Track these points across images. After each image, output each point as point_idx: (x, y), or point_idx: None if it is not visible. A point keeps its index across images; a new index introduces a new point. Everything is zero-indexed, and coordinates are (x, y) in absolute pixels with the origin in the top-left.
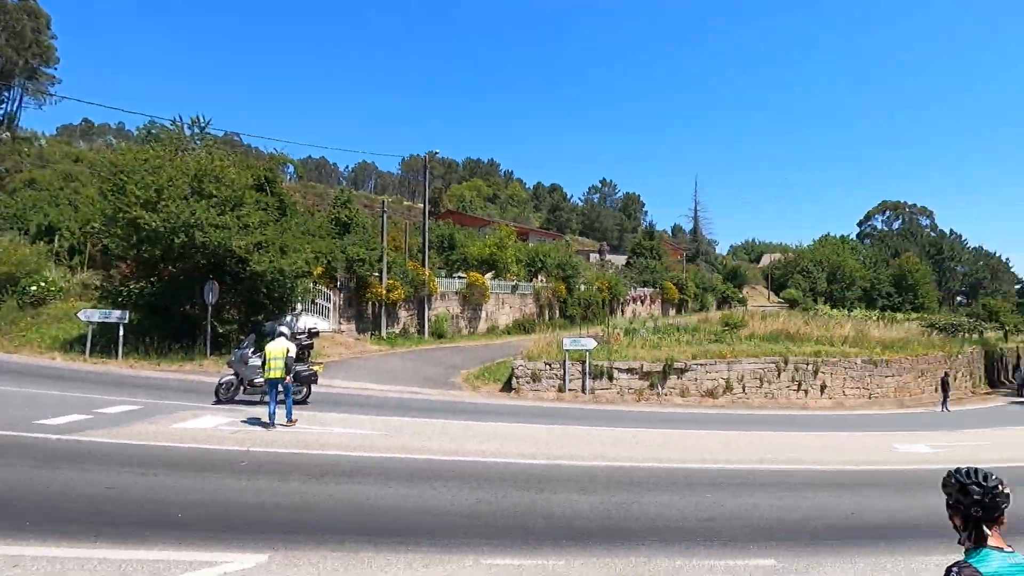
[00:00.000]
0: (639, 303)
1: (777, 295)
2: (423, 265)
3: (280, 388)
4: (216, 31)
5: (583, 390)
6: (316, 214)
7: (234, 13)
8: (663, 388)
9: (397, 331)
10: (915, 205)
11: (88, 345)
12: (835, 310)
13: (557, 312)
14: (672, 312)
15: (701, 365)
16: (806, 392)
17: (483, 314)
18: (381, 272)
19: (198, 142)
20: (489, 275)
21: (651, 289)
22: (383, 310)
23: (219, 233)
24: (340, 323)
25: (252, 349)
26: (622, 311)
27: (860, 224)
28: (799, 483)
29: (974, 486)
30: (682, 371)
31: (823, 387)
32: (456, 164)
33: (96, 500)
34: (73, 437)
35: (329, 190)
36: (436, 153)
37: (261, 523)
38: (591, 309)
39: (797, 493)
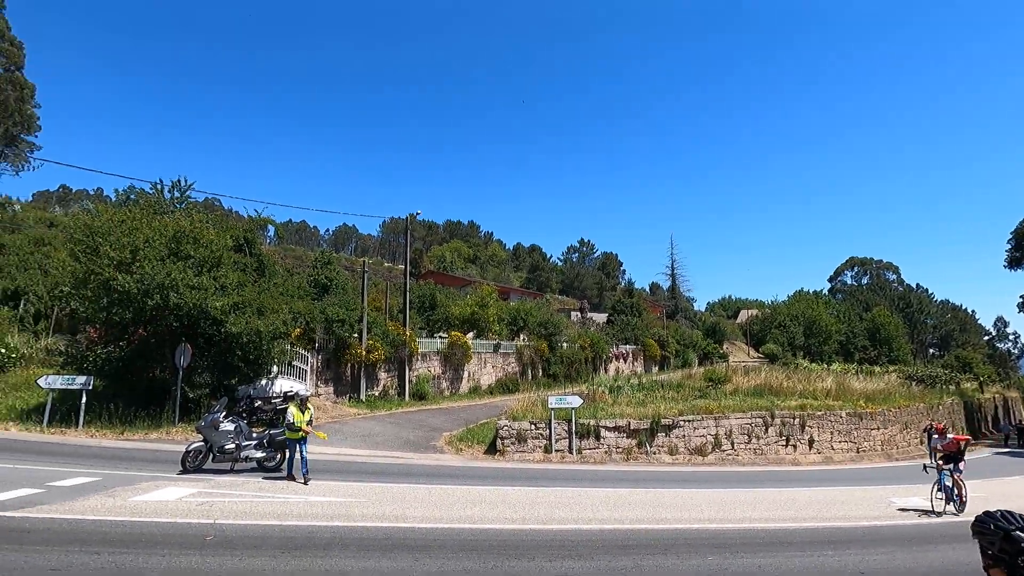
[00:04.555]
0: (622, 360)
1: (757, 350)
2: (404, 326)
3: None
4: (201, 97)
5: (570, 450)
6: (295, 276)
7: (220, 81)
8: (651, 446)
9: (376, 393)
10: (881, 260)
11: (47, 414)
12: (814, 364)
13: (540, 371)
14: (655, 369)
15: (688, 421)
16: (795, 447)
17: (465, 374)
18: (361, 332)
19: (178, 205)
20: (471, 334)
21: (633, 346)
22: (362, 371)
23: (195, 294)
24: (317, 386)
25: (223, 414)
26: (605, 369)
27: (831, 280)
28: (801, 541)
29: (1020, 531)
30: (669, 428)
31: (811, 441)
32: (437, 226)
33: None
34: (19, 514)
35: (309, 253)
36: (418, 214)
37: None
38: (574, 367)
39: (801, 552)
